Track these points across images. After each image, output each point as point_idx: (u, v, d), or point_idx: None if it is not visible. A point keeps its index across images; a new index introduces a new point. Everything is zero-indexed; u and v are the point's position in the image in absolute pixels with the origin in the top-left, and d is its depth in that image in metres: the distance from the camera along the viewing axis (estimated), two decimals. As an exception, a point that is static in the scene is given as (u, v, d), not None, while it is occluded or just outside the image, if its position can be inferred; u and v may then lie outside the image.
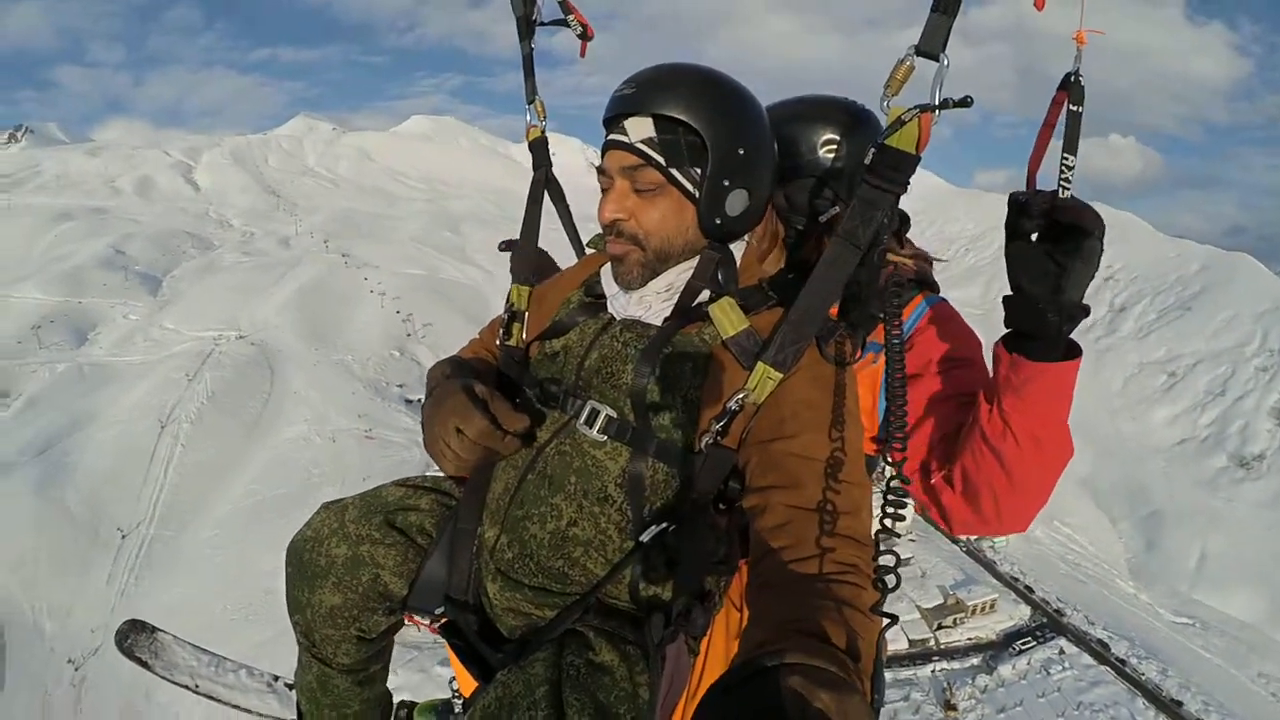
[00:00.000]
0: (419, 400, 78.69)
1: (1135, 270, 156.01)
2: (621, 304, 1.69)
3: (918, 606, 48.97)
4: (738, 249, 1.66)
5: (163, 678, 2.82)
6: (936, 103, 1.34)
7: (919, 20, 1.32)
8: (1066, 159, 1.46)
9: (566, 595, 1.60)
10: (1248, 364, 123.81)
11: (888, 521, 1.31)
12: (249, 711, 2.80)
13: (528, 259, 1.93)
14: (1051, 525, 72.74)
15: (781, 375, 1.45)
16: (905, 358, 1.44)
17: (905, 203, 1.61)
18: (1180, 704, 46.27)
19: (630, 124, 1.57)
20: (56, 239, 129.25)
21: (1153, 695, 45.98)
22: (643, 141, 1.55)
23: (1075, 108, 1.44)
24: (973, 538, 54.90)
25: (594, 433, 1.58)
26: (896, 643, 45.77)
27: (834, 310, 1.53)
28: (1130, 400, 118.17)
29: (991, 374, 1.59)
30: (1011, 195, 1.49)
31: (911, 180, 1.42)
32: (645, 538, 1.51)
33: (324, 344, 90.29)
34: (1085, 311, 1.47)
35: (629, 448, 1.56)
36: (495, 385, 1.72)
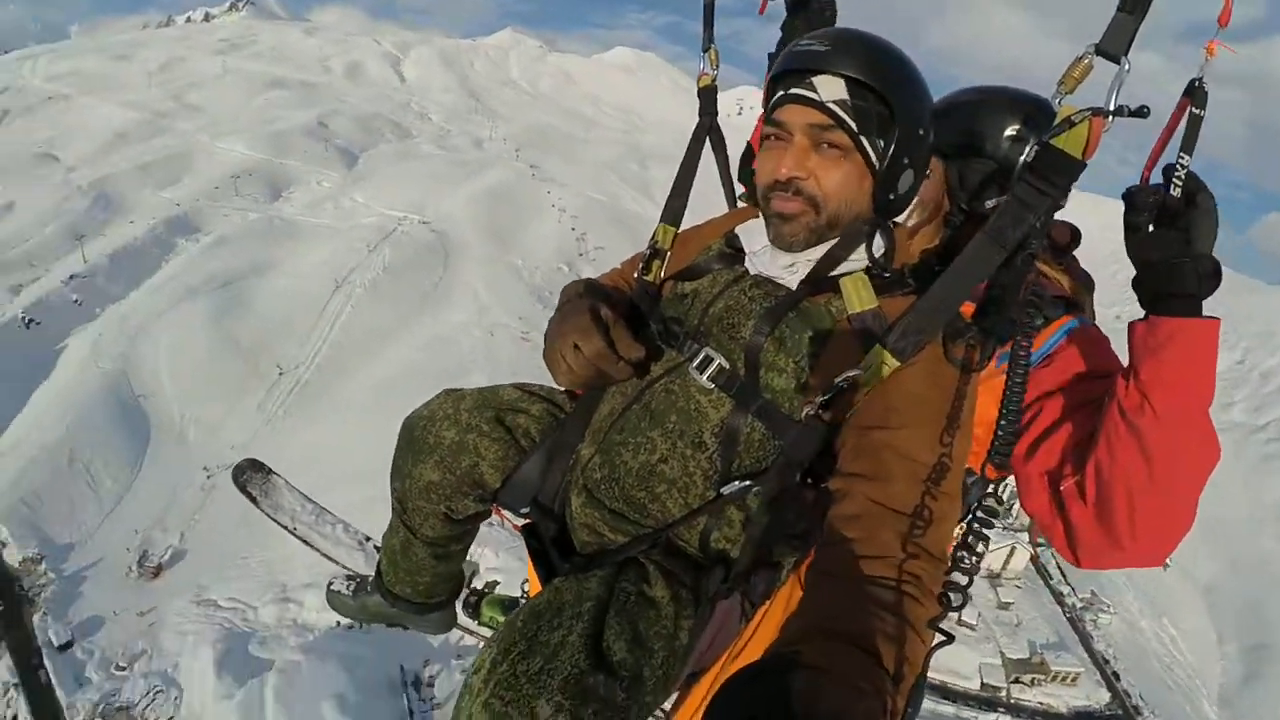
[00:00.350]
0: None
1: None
2: (762, 262, 1.72)
3: (1002, 654, 47.12)
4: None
5: (266, 514, 3.07)
6: (1111, 108, 1.32)
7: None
8: (1182, 158, 1.46)
9: (640, 526, 1.68)
10: None
11: (970, 539, 1.28)
12: (335, 561, 2.99)
13: (679, 202, 1.93)
14: (1159, 621, 66.28)
15: (898, 364, 1.44)
16: (1031, 373, 1.45)
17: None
18: None
19: (820, 81, 1.55)
20: (266, 103, 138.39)
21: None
22: (835, 102, 1.54)
23: (1197, 111, 1.45)
24: (1078, 604, 53.43)
25: (703, 379, 1.63)
26: (970, 681, 44.81)
27: (969, 311, 1.52)
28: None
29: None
30: (1125, 190, 1.51)
31: (1073, 189, 1.42)
32: (727, 490, 1.58)
33: (499, 245, 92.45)
34: (1218, 271, 1.47)
35: (732, 400, 1.59)
36: (625, 315, 1.76)
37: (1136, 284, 1.49)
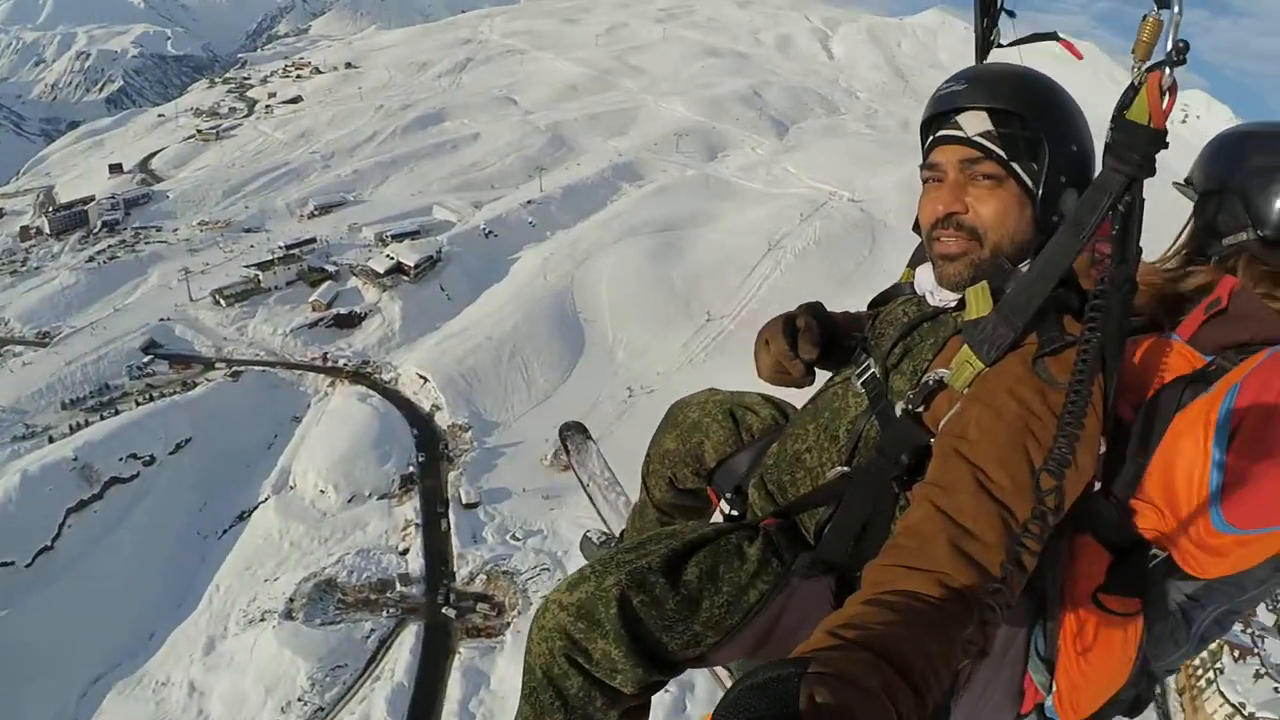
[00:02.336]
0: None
1: None
2: (935, 298, 1.80)
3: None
4: None
5: (572, 468, 3.72)
6: (1165, 58, 1.26)
7: None
8: None
9: (777, 507, 1.94)
10: None
11: (1025, 557, 1.24)
12: (604, 521, 3.46)
13: (926, 249, 1.97)
14: None
15: (982, 364, 1.50)
16: (1093, 379, 1.34)
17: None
18: None
19: (964, 118, 1.67)
20: (703, 70, 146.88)
21: None
22: (980, 134, 1.64)
23: None
24: None
25: (858, 384, 1.84)
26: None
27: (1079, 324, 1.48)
28: None
29: None
30: None
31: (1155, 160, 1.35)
32: (830, 474, 1.80)
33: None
34: None
35: (869, 402, 1.78)
36: (828, 330, 2.07)
37: None
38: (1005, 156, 1.62)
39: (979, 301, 1.58)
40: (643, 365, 66.15)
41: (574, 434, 3.82)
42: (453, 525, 48.80)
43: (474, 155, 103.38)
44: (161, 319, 65.05)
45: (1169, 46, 1.24)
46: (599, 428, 58.46)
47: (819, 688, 0.86)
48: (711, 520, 2.47)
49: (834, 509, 1.78)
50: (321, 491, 50.57)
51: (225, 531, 49.09)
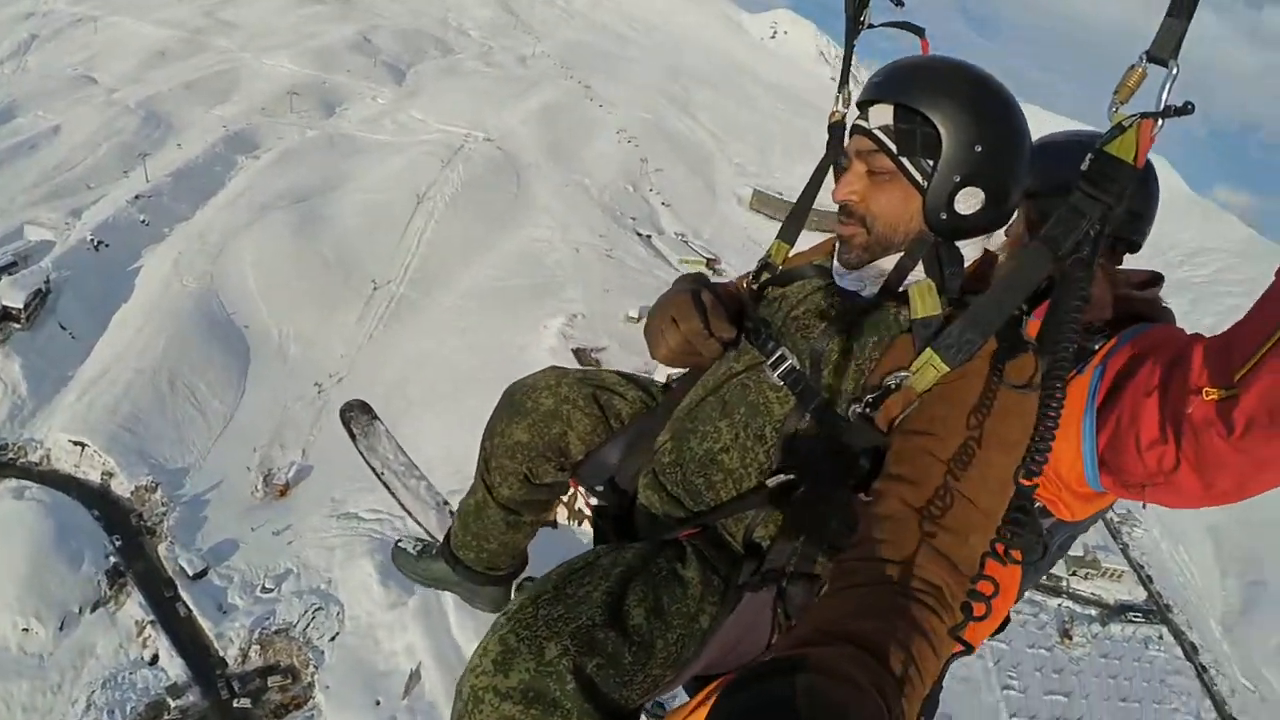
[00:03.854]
0: (648, 235, 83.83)
1: None
2: (847, 282, 1.77)
3: (1062, 549, 56.92)
4: (973, 250, 1.69)
5: (360, 452, 3.24)
6: (1159, 110, 1.34)
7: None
8: None
9: (693, 512, 1.77)
10: None
11: (999, 546, 1.24)
12: (409, 513, 3.08)
13: (796, 223, 2.04)
14: (1176, 546, 73.36)
15: (947, 368, 1.47)
16: (1065, 390, 1.39)
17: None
18: (1235, 724, 54.36)
19: (874, 110, 1.66)
20: (302, 19, 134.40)
21: (1218, 705, 55.41)
22: (880, 128, 1.64)
23: None
24: (1115, 518, 61.59)
25: (774, 376, 1.70)
26: (1037, 573, 54.82)
27: (1034, 330, 1.56)
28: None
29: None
30: None
31: (1126, 192, 1.41)
32: (771, 482, 1.64)
33: (563, 163, 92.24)
34: None
35: (796, 398, 1.65)
36: (732, 313, 1.88)
37: None
38: (895, 151, 1.62)
39: (925, 300, 1.56)
40: (321, 354, 59.68)
41: (357, 414, 3.31)
42: (191, 605, 39.77)
43: (58, 153, 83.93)
44: None
45: (1164, 102, 1.31)
46: (300, 437, 53.13)
47: (815, 686, 0.85)
48: (562, 503, 2.31)
49: (762, 513, 1.67)
50: (25, 630, 38.02)
51: (-66, 732, 35.91)
